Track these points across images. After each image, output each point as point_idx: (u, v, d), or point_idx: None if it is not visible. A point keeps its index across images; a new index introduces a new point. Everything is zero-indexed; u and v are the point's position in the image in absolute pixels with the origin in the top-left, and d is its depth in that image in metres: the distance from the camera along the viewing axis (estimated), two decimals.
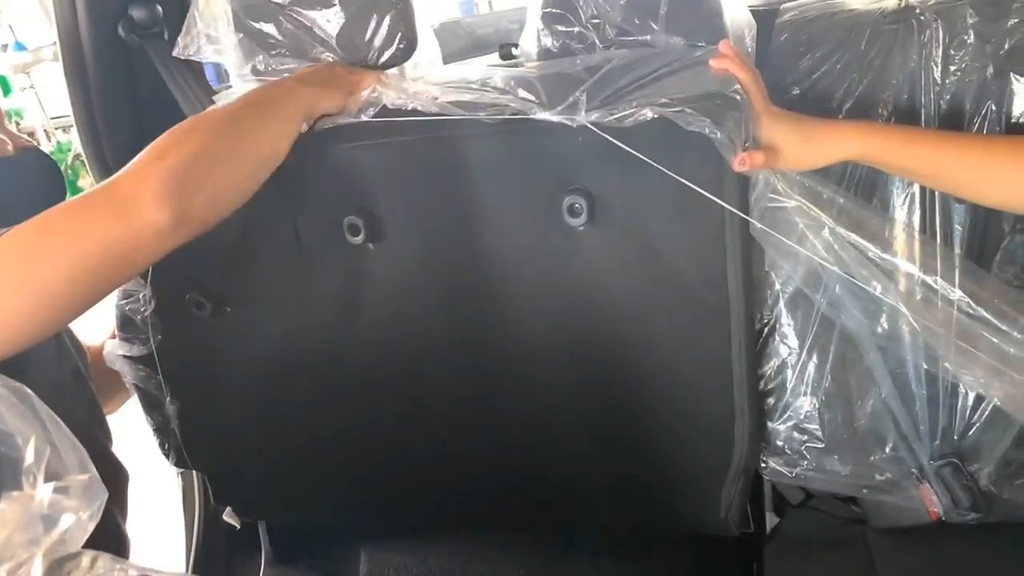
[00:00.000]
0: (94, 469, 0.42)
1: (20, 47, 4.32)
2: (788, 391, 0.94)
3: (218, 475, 1.18)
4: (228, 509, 1.22)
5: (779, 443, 0.97)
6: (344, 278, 0.93)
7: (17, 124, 4.58)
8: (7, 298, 0.64)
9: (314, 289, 0.94)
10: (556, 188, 0.81)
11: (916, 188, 0.88)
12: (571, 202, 0.80)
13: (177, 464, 1.14)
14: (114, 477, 0.91)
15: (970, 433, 0.91)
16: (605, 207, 0.81)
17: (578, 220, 0.80)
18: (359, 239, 0.87)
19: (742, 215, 0.78)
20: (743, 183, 0.79)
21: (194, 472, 1.25)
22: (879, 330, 0.89)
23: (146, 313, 0.98)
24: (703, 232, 0.80)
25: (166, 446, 1.12)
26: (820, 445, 0.95)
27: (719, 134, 0.71)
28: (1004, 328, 0.82)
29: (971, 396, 0.90)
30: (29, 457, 0.40)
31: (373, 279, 0.92)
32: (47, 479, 0.40)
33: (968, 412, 0.91)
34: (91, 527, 0.43)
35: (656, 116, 0.72)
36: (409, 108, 0.82)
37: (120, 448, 0.97)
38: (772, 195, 0.82)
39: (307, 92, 0.84)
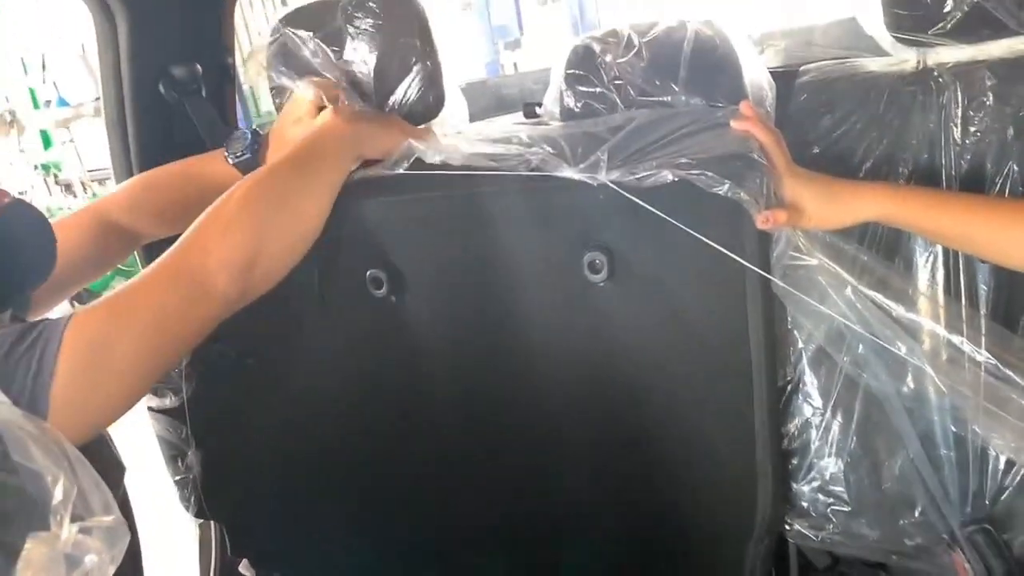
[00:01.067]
0: (118, 511, 0.43)
1: (63, 103, 4.49)
2: (812, 451, 0.93)
3: (236, 525, 1.17)
4: (244, 561, 1.21)
5: (804, 504, 0.94)
6: (366, 331, 0.94)
7: (56, 176, 4.73)
8: (91, 383, 0.65)
9: (335, 341, 0.95)
10: (577, 244, 0.82)
11: (939, 247, 0.88)
12: (591, 258, 0.80)
13: (197, 515, 1.13)
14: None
15: (1002, 498, 0.88)
16: (625, 264, 0.82)
17: (598, 276, 0.81)
18: (381, 292, 0.88)
19: (763, 274, 0.79)
20: (764, 241, 0.79)
21: (212, 523, 1.25)
22: (904, 390, 0.88)
23: (182, 364, 1.00)
24: (724, 290, 0.80)
25: (186, 496, 1.12)
26: (847, 508, 0.92)
27: (742, 194, 0.72)
28: None
29: (1002, 459, 0.87)
30: (57, 496, 0.41)
31: (395, 332, 0.93)
32: (72, 520, 0.41)
33: (1000, 476, 0.88)
34: (112, 569, 0.43)
35: (677, 179, 0.73)
36: (439, 161, 0.84)
37: (139, 499, 0.96)
38: (794, 253, 0.82)
39: (358, 132, 0.86)
